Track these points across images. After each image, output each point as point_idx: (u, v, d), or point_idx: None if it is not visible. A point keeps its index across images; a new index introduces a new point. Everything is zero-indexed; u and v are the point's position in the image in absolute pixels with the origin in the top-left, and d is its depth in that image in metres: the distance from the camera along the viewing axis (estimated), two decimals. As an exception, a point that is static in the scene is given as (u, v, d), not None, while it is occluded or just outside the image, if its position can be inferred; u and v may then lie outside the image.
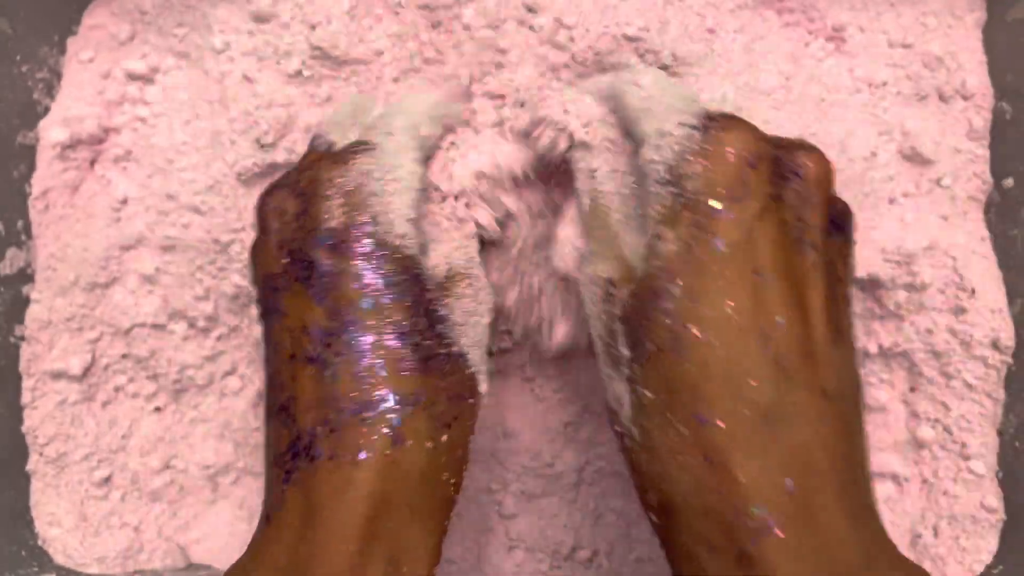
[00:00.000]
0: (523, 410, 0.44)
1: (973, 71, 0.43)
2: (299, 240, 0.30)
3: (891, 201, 0.43)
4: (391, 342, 0.29)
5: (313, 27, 0.40)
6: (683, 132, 0.29)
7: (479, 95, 0.39)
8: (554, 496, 0.44)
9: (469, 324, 0.32)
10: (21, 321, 0.43)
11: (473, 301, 0.33)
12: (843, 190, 0.42)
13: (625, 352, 0.28)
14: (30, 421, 0.43)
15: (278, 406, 0.30)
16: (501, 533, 0.44)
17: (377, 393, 0.28)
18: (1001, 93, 0.43)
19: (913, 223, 0.43)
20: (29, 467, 0.43)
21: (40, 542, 0.43)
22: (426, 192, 0.34)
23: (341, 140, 0.34)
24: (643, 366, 0.27)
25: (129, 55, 0.45)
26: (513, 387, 0.44)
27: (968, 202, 0.44)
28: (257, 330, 0.40)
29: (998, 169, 0.43)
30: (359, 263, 0.29)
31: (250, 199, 0.42)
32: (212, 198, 0.42)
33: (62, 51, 0.45)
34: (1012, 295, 0.43)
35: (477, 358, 0.33)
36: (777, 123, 0.41)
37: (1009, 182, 0.43)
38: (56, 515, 0.43)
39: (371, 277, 0.29)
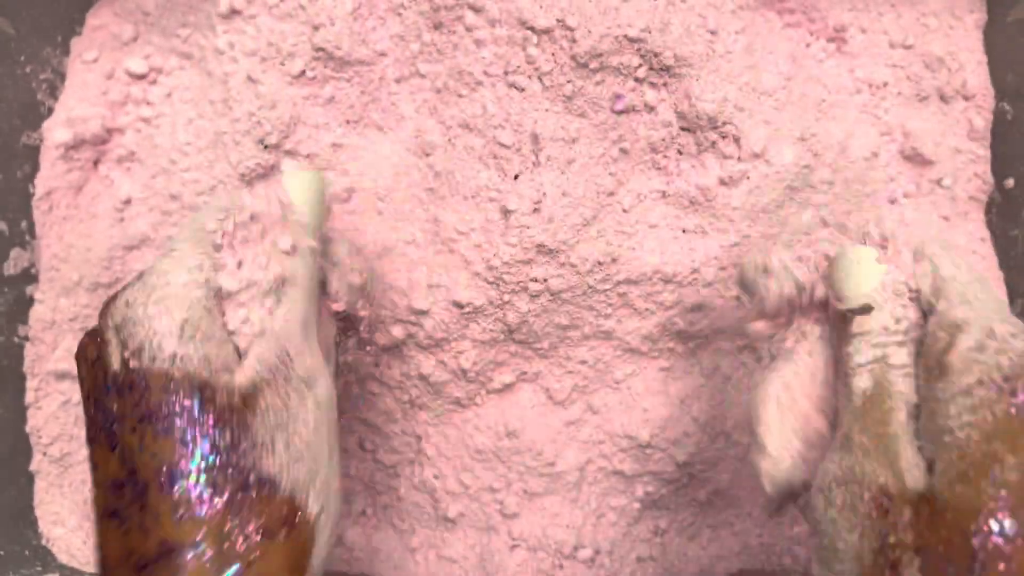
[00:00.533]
0: (525, 409, 0.44)
1: (974, 72, 0.44)
2: (94, 391, 0.27)
3: (892, 201, 0.44)
4: (177, 484, 0.25)
5: (316, 28, 0.40)
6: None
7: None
8: (556, 495, 0.44)
9: (277, 442, 0.27)
10: (25, 321, 0.44)
11: (282, 413, 0.27)
12: (843, 190, 0.43)
13: None
14: (33, 421, 0.43)
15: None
16: (503, 532, 0.45)
17: (168, 543, 0.25)
18: (1002, 93, 0.43)
19: (914, 223, 0.43)
20: (32, 467, 0.44)
21: (44, 541, 0.43)
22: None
23: None
24: None
25: (132, 56, 0.45)
26: (515, 387, 0.45)
27: (969, 202, 0.44)
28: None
29: (999, 169, 0.43)
30: (138, 402, 0.26)
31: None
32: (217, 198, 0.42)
33: (66, 52, 0.45)
34: (1013, 295, 0.43)
35: (297, 479, 0.27)
36: (778, 123, 0.41)
37: (1010, 182, 0.43)
38: (59, 515, 0.43)
39: (152, 414, 0.25)
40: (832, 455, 0.28)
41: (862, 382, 0.28)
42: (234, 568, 0.25)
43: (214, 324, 0.27)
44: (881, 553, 0.25)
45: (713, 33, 0.40)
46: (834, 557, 0.27)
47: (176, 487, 0.25)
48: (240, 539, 0.25)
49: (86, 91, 0.45)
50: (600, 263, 0.41)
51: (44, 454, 0.43)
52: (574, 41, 0.39)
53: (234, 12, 0.41)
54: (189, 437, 0.25)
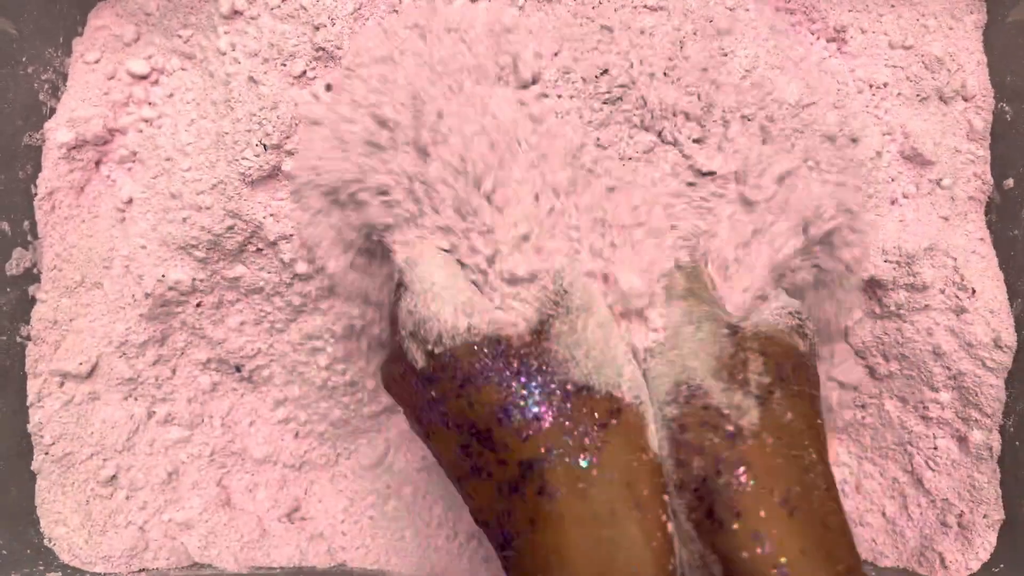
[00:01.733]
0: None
1: (973, 72, 0.44)
2: (413, 396, 0.34)
3: (892, 202, 0.44)
4: (512, 415, 0.30)
5: (317, 28, 0.41)
6: None
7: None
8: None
9: (577, 356, 0.32)
10: (27, 321, 0.44)
11: (572, 335, 0.32)
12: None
13: None
14: (35, 420, 0.43)
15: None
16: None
17: (525, 461, 0.30)
18: (1001, 94, 0.43)
19: (914, 224, 0.43)
20: (34, 466, 0.44)
21: (46, 541, 0.43)
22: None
23: None
24: None
25: (134, 56, 0.45)
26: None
27: (968, 203, 0.44)
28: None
29: (998, 170, 0.44)
30: (454, 375, 0.32)
31: (254, 199, 0.42)
32: (216, 198, 0.42)
33: (67, 52, 0.45)
34: (1013, 295, 0.43)
35: (608, 379, 0.32)
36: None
37: (1009, 183, 0.43)
38: (61, 514, 0.43)
39: (469, 377, 0.31)
40: None
41: None
42: (587, 458, 0.29)
43: (478, 296, 0.33)
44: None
45: (731, 10, 0.40)
46: None
47: (512, 418, 0.30)
48: (583, 436, 0.30)
49: (88, 91, 0.45)
50: None
51: (46, 453, 0.44)
52: (597, 4, 0.39)
53: (236, 13, 0.42)
54: (505, 377, 0.31)
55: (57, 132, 0.43)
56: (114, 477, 0.44)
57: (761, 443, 0.30)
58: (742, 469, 0.29)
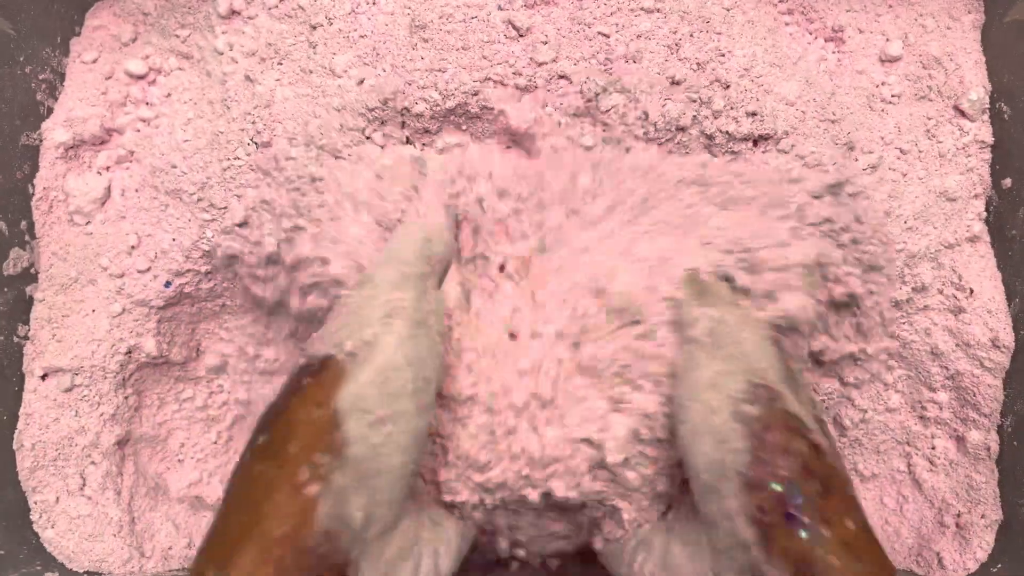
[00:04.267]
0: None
1: (971, 72, 0.44)
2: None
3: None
4: None
5: (314, 28, 0.41)
6: None
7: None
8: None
9: None
10: (25, 321, 0.44)
11: None
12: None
13: None
14: (33, 420, 0.43)
15: None
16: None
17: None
18: (999, 94, 0.43)
19: (912, 223, 0.43)
20: (31, 465, 0.44)
21: (42, 541, 0.43)
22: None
23: None
24: None
25: (132, 56, 0.45)
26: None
27: (967, 202, 0.44)
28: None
29: (997, 169, 0.44)
30: None
31: (249, 198, 0.42)
32: (212, 196, 0.42)
33: (65, 52, 0.45)
34: (1010, 295, 0.43)
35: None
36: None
37: (1007, 182, 0.43)
38: (57, 515, 0.43)
39: None
40: None
41: None
42: None
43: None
44: None
45: (728, 10, 0.41)
46: None
47: None
48: None
49: (85, 91, 0.45)
50: None
51: (43, 453, 0.43)
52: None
53: (233, 13, 0.42)
54: None
55: (55, 132, 0.43)
56: (109, 478, 0.44)
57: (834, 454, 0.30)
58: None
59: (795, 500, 0.28)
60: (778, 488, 0.28)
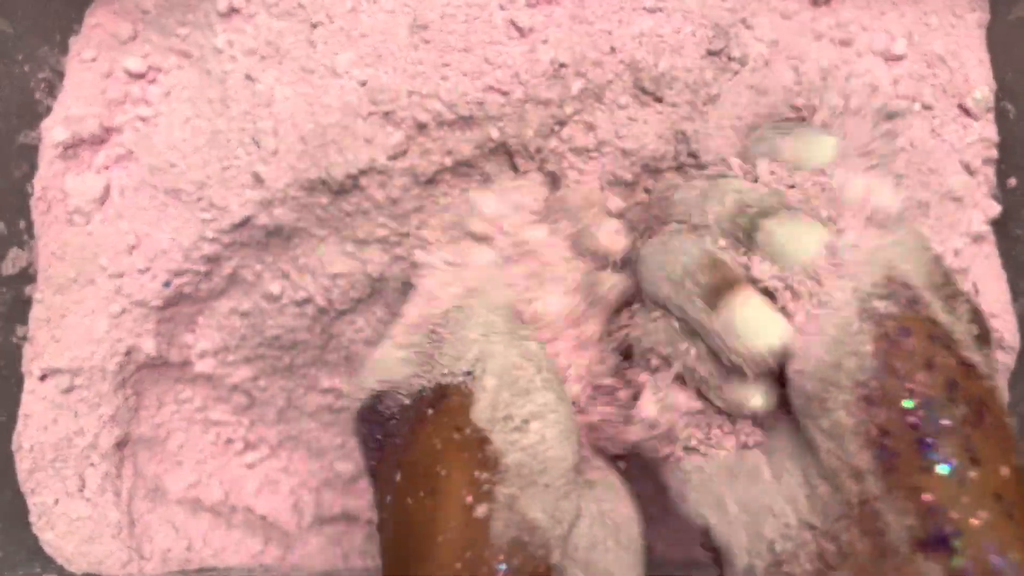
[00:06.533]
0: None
1: (975, 70, 0.43)
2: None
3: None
4: None
5: (315, 26, 0.40)
6: None
7: None
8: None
9: None
10: (23, 321, 0.43)
11: None
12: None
13: None
14: (31, 421, 0.43)
15: None
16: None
17: None
18: (1003, 93, 0.43)
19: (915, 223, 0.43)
20: (30, 467, 0.43)
21: (41, 544, 0.43)
22: None
23: None
24: None
25: (131, 55, 0.45)
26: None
27: (972, 201, 0.44)
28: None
29: (1001, 169, 0.43)
30: None
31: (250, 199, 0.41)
32: (211, 196, 0.42)
33: (64, 51, 0.45)
34: (1016, 294, 0.43)
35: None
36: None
37: (1012, 181, 0.43)
38: (56, 517, 0.43)
39: None
40: None
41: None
42: None
43: None
44: None
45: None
46: None
47: None
48: None
49: (84, 90, 0.44)
50: None
51: (42, 455, 0.43)
52: None
53: (233, 11, 0.41)
54: None
55: (53, 131, 0.43)
56: (108, 479, 0.44)
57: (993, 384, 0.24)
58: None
59: (935, 423, 0.22)
60: (911, 405, 0.22)
